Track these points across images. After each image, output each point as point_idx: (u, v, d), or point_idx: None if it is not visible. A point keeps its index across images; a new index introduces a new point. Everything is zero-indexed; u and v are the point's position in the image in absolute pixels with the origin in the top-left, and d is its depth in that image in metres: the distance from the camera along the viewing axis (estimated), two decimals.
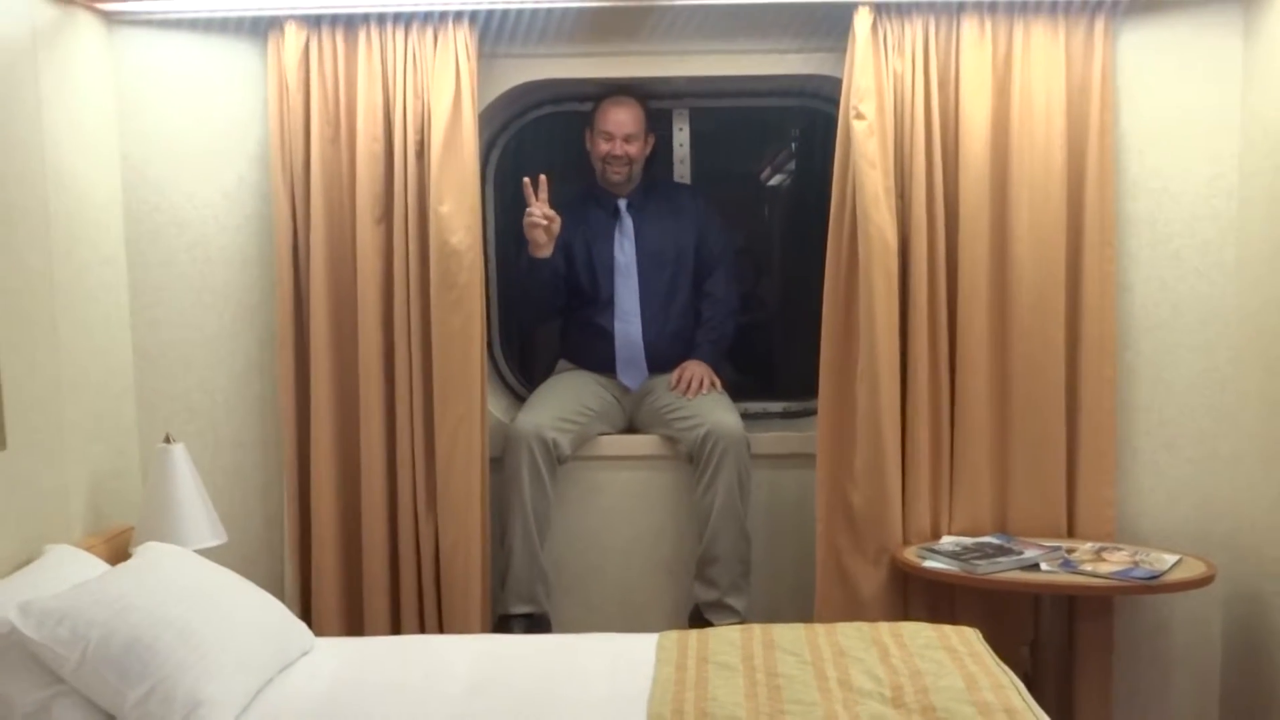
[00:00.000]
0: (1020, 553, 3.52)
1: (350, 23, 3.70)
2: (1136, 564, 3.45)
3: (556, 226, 3.81)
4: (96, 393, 3.59)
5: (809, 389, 3.96)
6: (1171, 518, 3.86)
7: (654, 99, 4.11)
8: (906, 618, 3.63)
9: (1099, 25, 3.66)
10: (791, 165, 4.70)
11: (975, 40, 3.66)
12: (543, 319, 4.35)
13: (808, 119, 4.42)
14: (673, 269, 4.08)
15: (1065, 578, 3.40)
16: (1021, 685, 2.75)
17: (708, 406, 3.92)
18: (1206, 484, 3.85)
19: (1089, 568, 3.43)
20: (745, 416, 4.01)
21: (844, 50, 3.69)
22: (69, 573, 2.91)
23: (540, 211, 3.76)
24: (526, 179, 3.75)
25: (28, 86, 3.26)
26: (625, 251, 4.05)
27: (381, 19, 3.68)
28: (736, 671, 2.83)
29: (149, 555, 3.08)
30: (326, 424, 3.78)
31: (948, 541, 3.68)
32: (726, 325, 4.15)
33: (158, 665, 2.55)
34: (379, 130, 3.72)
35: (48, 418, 3.28)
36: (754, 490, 3.92)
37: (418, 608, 3.83)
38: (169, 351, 3.87)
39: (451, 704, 2.73)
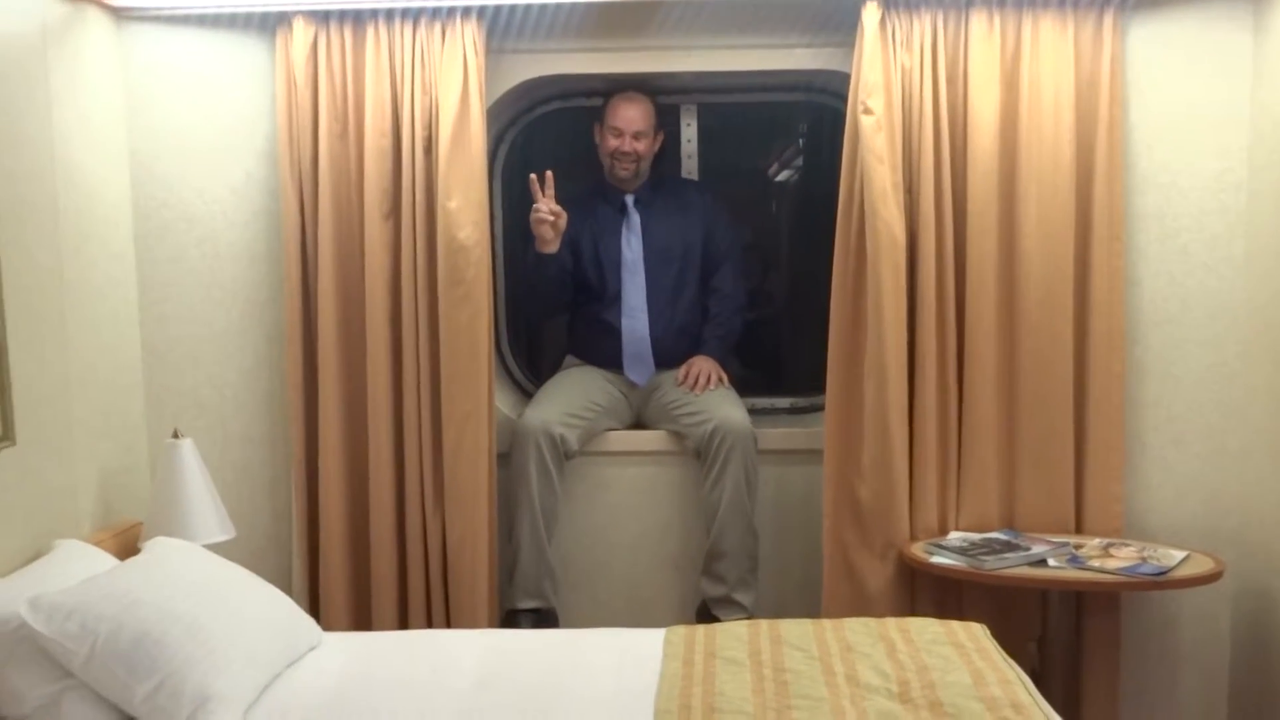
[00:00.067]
0: (1028, 548, 3.52)
1: (358, 18, 3.70)
2: (1144, 560, 3.45)
3: (563, 222, 3.82)
4: (105, 388, 3.61)
5: (816, 384, 3.96)
6: (1180, 513, 3.85)
7: (662, 94, 4.11)
8: (914, 613, 3.62)
9: (1108, 20, 3.65)
10: (799, 161, 4.69)
11: (984, 35, 3.65)
12: (550, 314, 4.35)
13: (815, 114, 4.41)
14: (680, 265, 4.07)
15: (1073, 574, 3.40)
16: (1029, 681, 2.75)
17: (715, 402, 3.92)
18: (1215, 479, 3.84)
19: (1096, 564, 3.43)
20: (752, 412, 4.00)
21: (852, 45, 3.69)
22: (78, 568, 2.92)
23: (547, 207, 3.77)
24: (533, 175, 3.76)
25: (37, 83, 3.27)
26: (632, 247, 4.05)
27: (389, 14, 3.69)
28: (744, 667, 2.83)
29: (157, 550, 3.09)
30: (334, 419, 3.79)
31: (955, 537, 3.68)
32: (734, 321, 4.14)
33: (166, 660, 2.57)
34: (387, 126, 3.72)
35: (57, 413, 3.29)
36: (761, 486, 3.91)
37: (425, 603, 3.84)
38: (177, 347, 3.88)
39: (459, 698, 2.73)
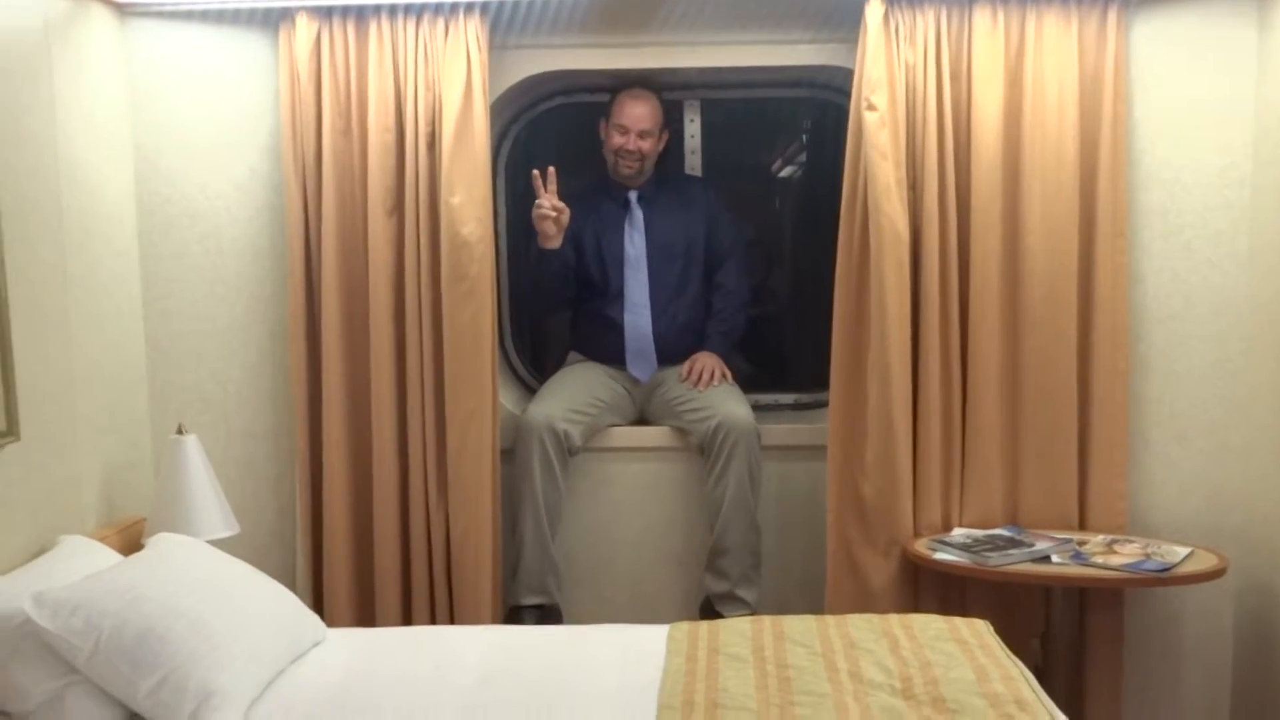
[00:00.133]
0: (1031, 545, 3.52)
1: (361, 14, 3.70)
2: (1148, 556, 3.45)
3: (565, 218, 3.81)
4: (109, 384, 3.61)
5: (820, 381, 3.96)
6: (1183, 510, 3.85)
7: (665, 90, 4.10)
8: (917, 610, 3.63)
9: (1112, 15, 3.65)
10: (803, 157, 4.69)
11: (987, 30, 3.65)
12: (553, 310, 4.36)
13: (819, 110, 4.41)
14: (683, 261, 4.07)
15: (1076, 570, 3.40)
16: (1032, 677, 2.75)
17: (719, 398, 3.92)
18: (1218, 476, 3.84)
19: (1100, 560, 3.43)
20: (756, 408, 4.01)
21: (855, 41, 3.68)
22: (82, 563, 2.92)
23: (549, 203, 3.76)
24: (536, 171, 3.75)
25: (41, 79, 3.27)
26: (635, 244, 4.05)
27: (392, 10, 3.69)
28: (747, 663, 2.83)
29: (161, 546, 3.09)
30: (338, 415, 3.79)
31: (958, 533, 3.68)
32: (737, 317, 4.14)
33: (170, 655, 2.57)
34: (390, 122, 3.72)
35: (61, 409, 3.29)
36: (765, 482, 3.92)
37: (429, 599, 3.84)
38: (181, 343, 3.89)
39: (462, 694, 2.73)
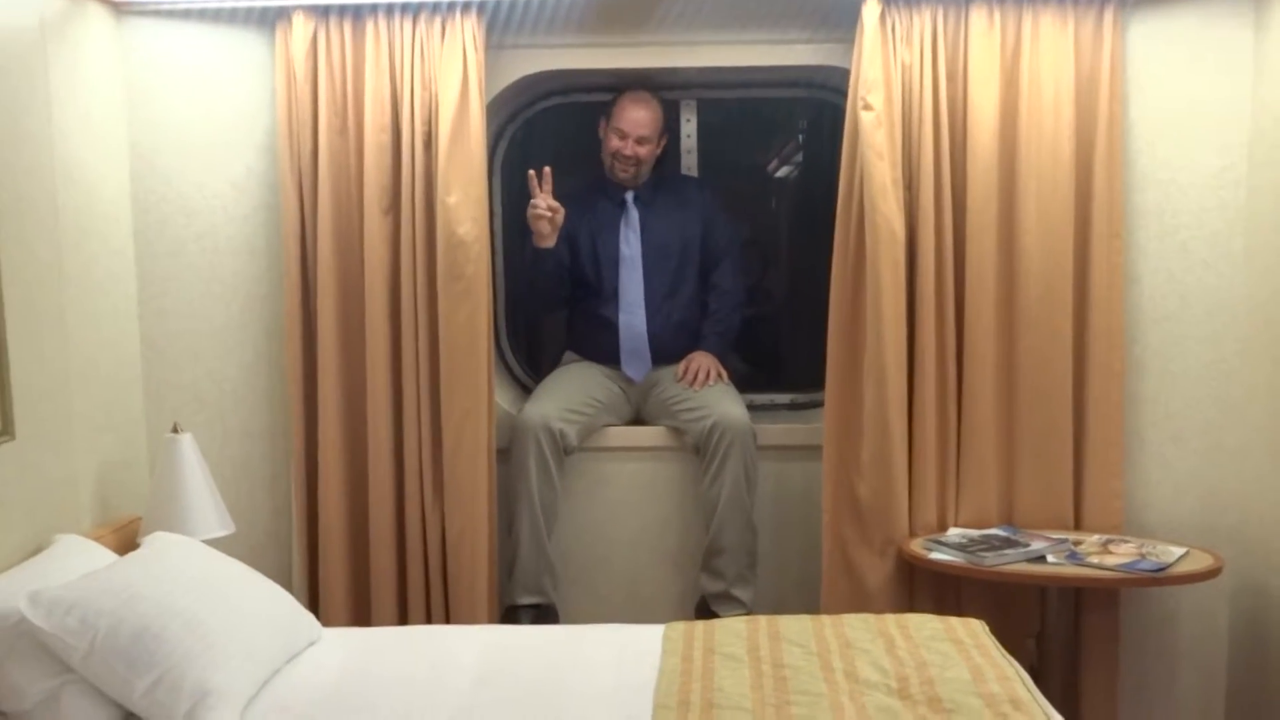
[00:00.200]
0: (1026, 545, 3.52)
1: (358, 13, 3.70)
2: (1143, 556, 3.45)
3: (560, 218, 3.82)
4: (105, 383, 3.61)
5: (816, 381, 3.96)
6: (1178, 510, 3.86)
7: (662, 89, 4.10)
8: (912, 609, 3.63)
9: (1108, 16, 3.65)
10: (799, 156, 4.69)
11: (984, 31, 3.65)
12: (548, 309, 4.36)
13: (815, 110, 4.41)
14: (678, 261, 4.07)
15: (1071, 570, 3.40)
16: (1027, 677, 2.75)
17: (714, 398, 3.92)
18: (1213, 476, 3.85)
19: (1095, 560, 3.43)
20: (752, 408, 4.01)
21: (852, 41, 3.68)
22: (77, 563, 2.92)
23: (544, 203, 3.76)
24: (532, 171, 3.75)
25: (37, 78, 3.26)
26: (630, 244, 4.04)
27: (389, 9, 3.69)
28: (742, 662, 2.83)
29: (157, 545, 3.09)
30: (334, 415, 3.79)
31: (954, 533, 3.69)
32: (733, 317, 4.15)
33: (165, 655, 2.56)
34: (386, 121, 3.72)
35: (56, 408, 3.29)
36: (760, 482, 3.91)
37: (424, 599, 3.84)
38: (177, 342, 3.88)
39: (458, 694, 2.73)
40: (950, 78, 3.69)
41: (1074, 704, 3.69)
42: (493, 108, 3.91)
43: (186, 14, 3.76)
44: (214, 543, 3.28)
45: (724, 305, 4.12)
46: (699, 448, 3.91)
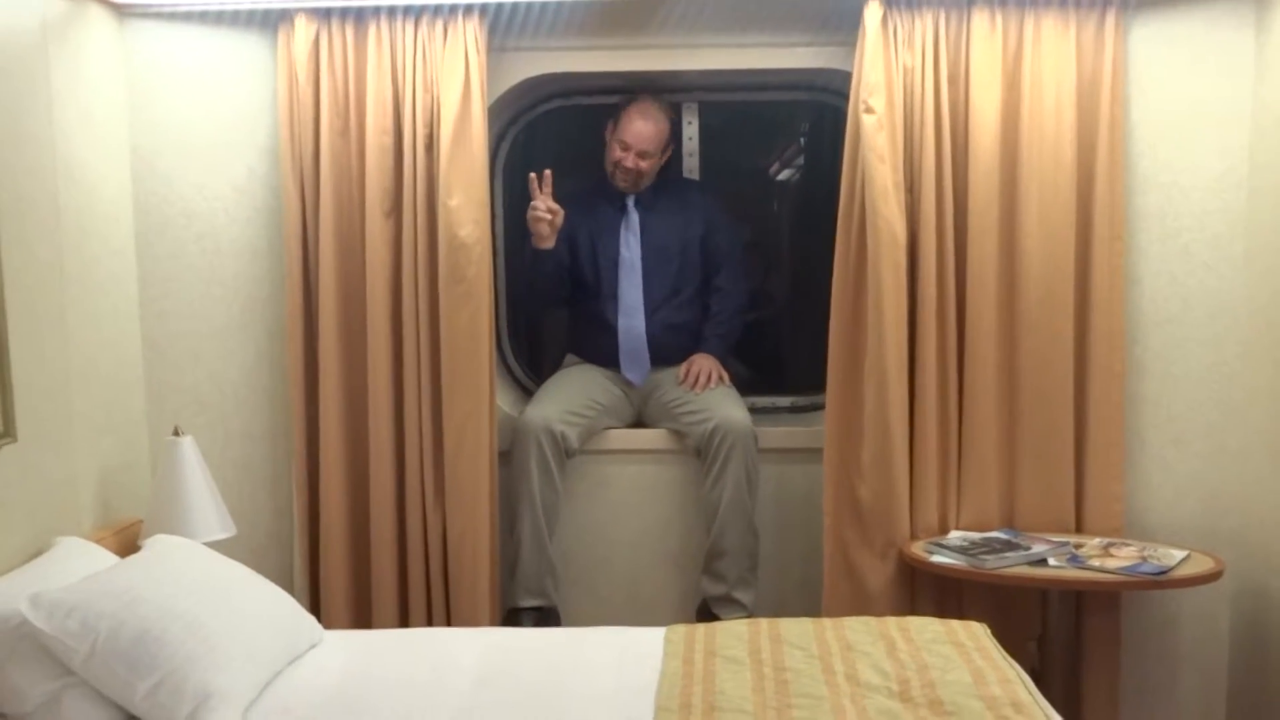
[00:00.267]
0: (1028, 548, 3.52)
1: (360, 16, 3.70)
2: (1144, 559, 3.45)
3: (559, 219, 3.82)
4: (106, 385, 3.60)
5: (817, 383, 3.96)
6: (1179, 513, 3.86)
7: (663, 92, 4.10)
8: (914, 612, 3.63)
9: (1110, 19, 3.65)
10: (800, 159, 4.69)
11: (985, 34, 3.65)
12: (548, 309, 4.37)
13: (817, 113, 4.41)
14: (678, 264, 4.07)
15: (1073, 573, 3.40)
16: (1029, 680, 2.75)
17: (716, 401, 3.92)
18: (1215, 479, 3.85)
19: (1096, 563, 3.43)
20: (753, 411, 4.01)
21: (854, 44, 3.68)
22: (79, 565, 2.92)
23: (544, 205, 3.77)
24: (532, 174, 3.75)
25: (39, 79, 3.26)
26: (630, 247, 4.04)
27: (391, 12, 3.69)
28: (744, 665, 2.83)
29: (158, 548, 3.08)
30: (335, 417, 3.79)
31: (955, 536, 3.68)
32: (735, 320, 4.14)
33: (166, 657, 2.56)
34: (388, 123, 3.72)
35: (57, 410, 3.29)
36: (762, 484, 3.92)
37: (426, 601, 3.84)
38: (178, 344, 3.88)
39: (459, 696, 2.73)
40: (952, 80, 3.69)
41: (1075, 707, 3.69)
42: (494, 110, 3.91)
43: (188, 16, 3.76)
44: (215, 545, 3.29)
45: (726, 308, 4.11)
46: (700, 450, 3.91)
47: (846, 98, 3.75)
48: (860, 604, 3.71)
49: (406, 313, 3.76)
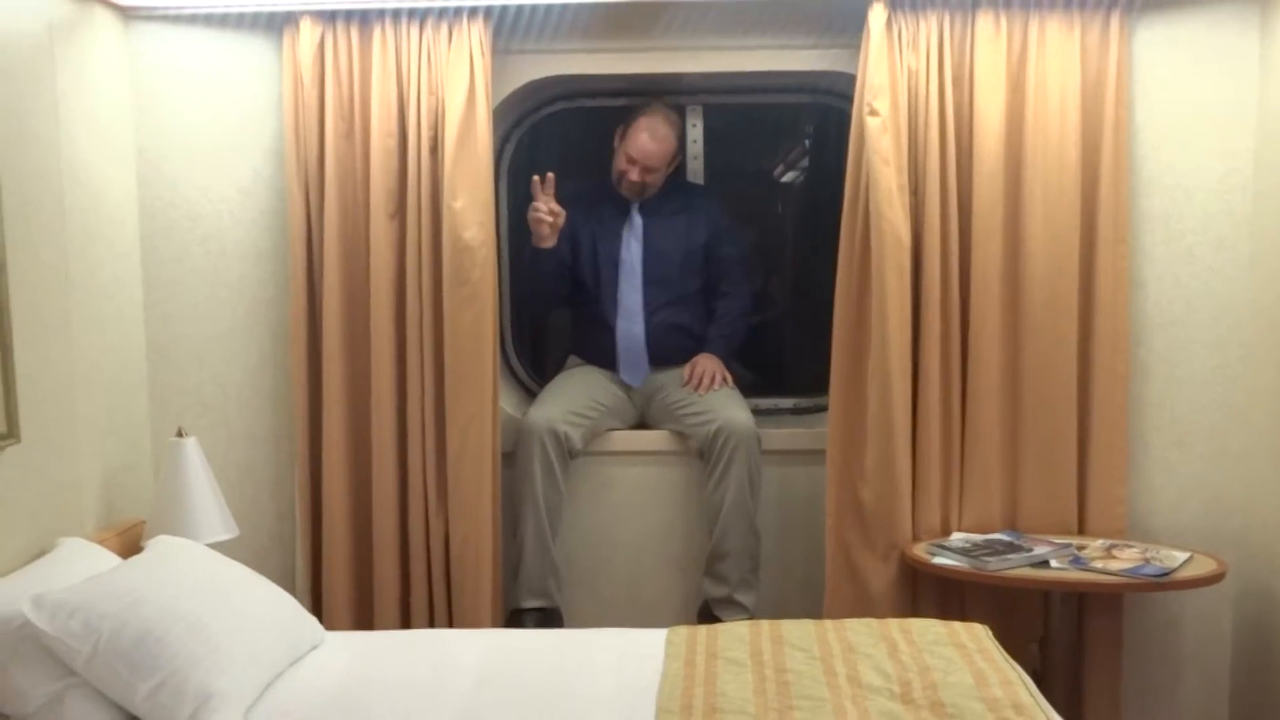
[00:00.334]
0: (1030, 549, 3.52)
1: (365, 18, 3.71)
2: (1147, 561, 3.45)
3: (561, 220, 3.82)
4: (110, 386, 3.61)
5: (820, 385, 3.96)
6: (1182, 515, 3.85)
7: (668, 95, 4.11)
8: (916, 614, 3.62)
9: (1114, 21, 3.65)
10: (805, 162, 4.69)
11: (990, 36, 3.65)
12: (547, 309, 4.38)
13: (821, 115, 4.41)
14: (680, 268, 4.07)
15: (1075, 575, 3.40)
16: (1030, 682, 2.75)
17: (719, 402, 3.92)
18: (1218, 481, 3.84)
19: (1099, 565, 3.43)
20: (756, 413, 4.00)
21: (858, 46, 3.69)
22: (81, 566, 2.93)
23: (545, 207, 3.77)
24: (536, 176, 3.76)
25: (44, 82, 3.27)
26: (632, 250, 4.05)
27: (396, 14, 3.69)
28: (745, 667, 2.83)
29: (161, 549, 3.09)
30: (338, 418, 3.80)
31: (958, 538, 3.68)
32: (739, 321, 4.15)
33: (168, 658, 2.57)
34: (393, 126, 3.73)
35: (61, 411, 3.29)
36: (764, 486, 3.92)
37: (428, 602, 3.84)
38: (182, 346, 3.89)
39: (460, 698, 2.74)
40: (956, 83, 3.69)
41: (1077, 709, 3.69)
42: (499, 113, 3.91)
43: (193, 19, 3.77)
44: (218, 546, 3.29)
45: (730, 310, 4.12)
46: (703, 452, 3.91)
47: (851, 100, 3.76)
48: (862, 606, 3.70)
49: (410, 315, 3.77)
